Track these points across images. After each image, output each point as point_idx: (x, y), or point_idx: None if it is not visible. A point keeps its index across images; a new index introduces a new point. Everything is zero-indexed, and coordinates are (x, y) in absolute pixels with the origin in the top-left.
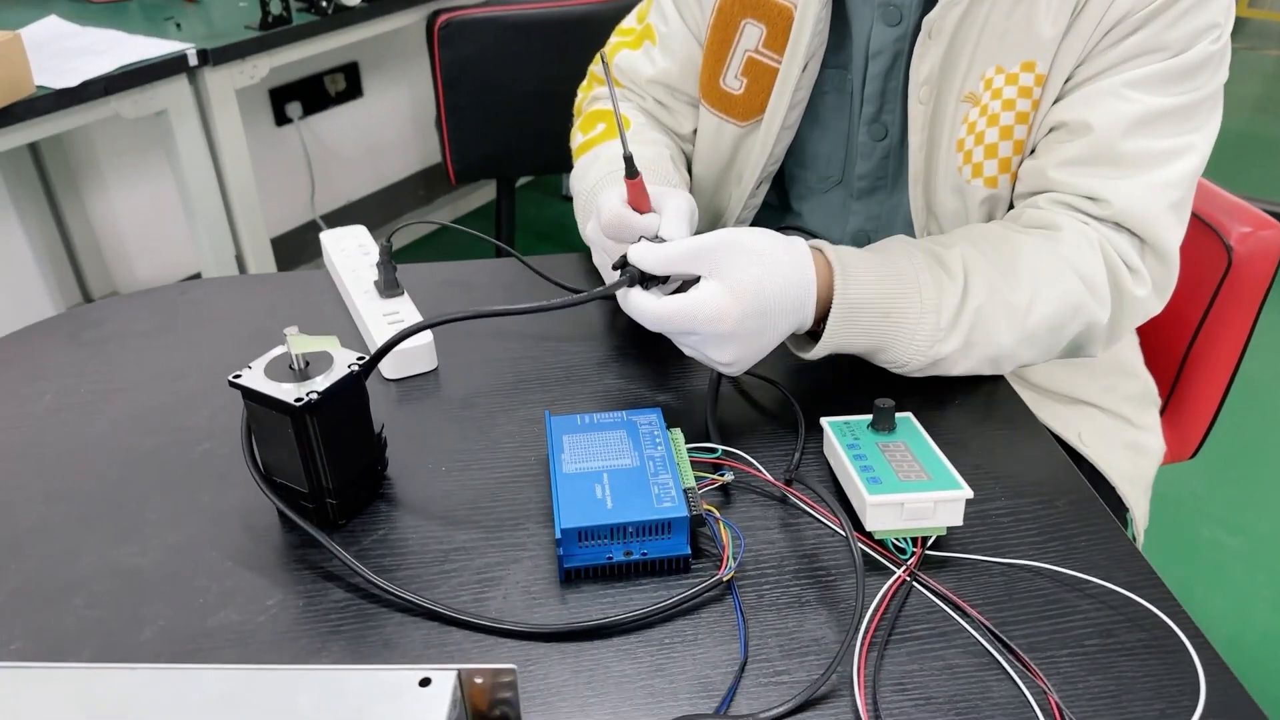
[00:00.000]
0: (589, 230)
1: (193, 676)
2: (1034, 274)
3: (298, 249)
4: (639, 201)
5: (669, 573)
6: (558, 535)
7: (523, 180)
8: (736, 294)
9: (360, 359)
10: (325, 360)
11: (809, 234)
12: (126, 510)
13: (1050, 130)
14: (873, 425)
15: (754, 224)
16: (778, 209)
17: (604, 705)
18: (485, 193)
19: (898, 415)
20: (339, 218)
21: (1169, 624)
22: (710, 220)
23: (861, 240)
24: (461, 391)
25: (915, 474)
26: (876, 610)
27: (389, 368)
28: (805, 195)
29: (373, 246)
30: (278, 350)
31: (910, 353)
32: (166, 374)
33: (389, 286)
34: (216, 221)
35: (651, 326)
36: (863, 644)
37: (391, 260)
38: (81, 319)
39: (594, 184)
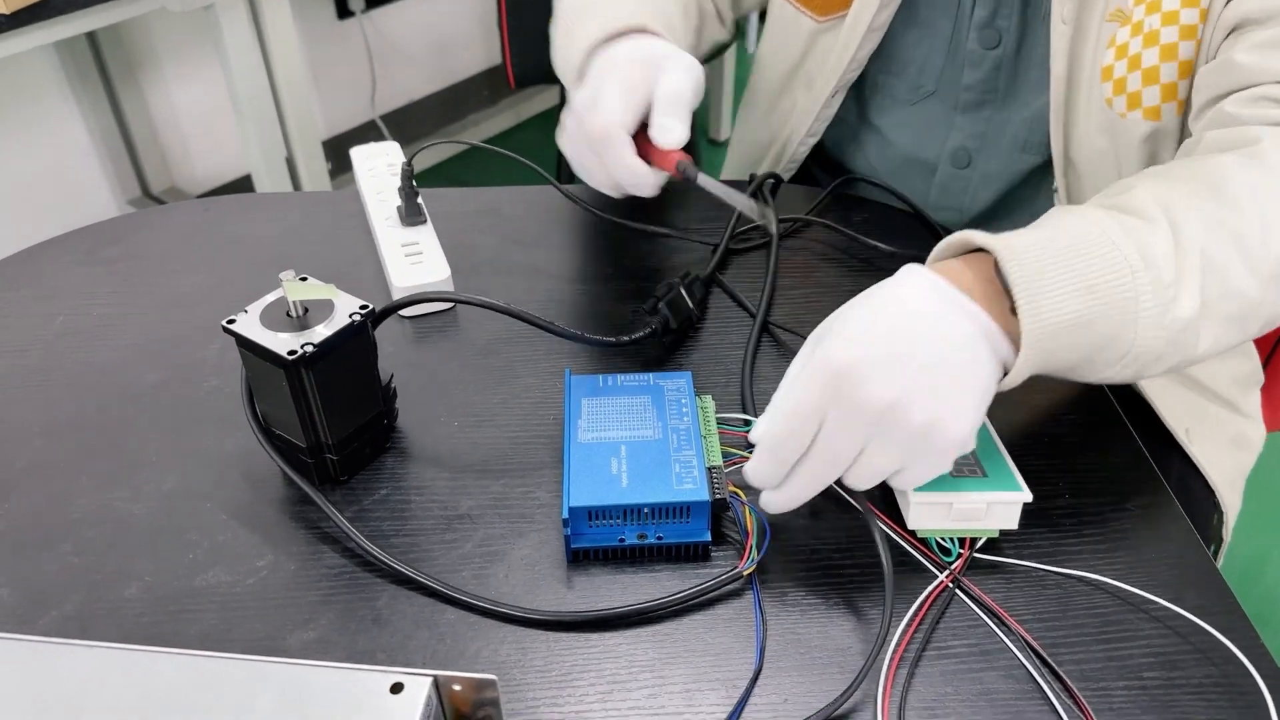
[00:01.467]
0: (569, 126)
1: (155, 661)
2: (1252, 195)
3: None
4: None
5: (687, 559)
6: (564, 515)
7: None
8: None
9: (364, 309)
10: (325, 308)
11: (883, 186)
12: (125, 450)
13: (1230, 33)
14: None
15: (824, 139)
16: (853, 123)
17: (602, 703)
18: (552, 94)
19: None
20: (400, 118)
21: (1243, 661)
22: (766, 140)
23: (961, 159)
24: (483, 336)
25: (968, 468)
26: (912, 620)
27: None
28: (889, 107)
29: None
30: (275, 294)
31: (1146, 330)
32: (181, 300)
33: (411, 214)
34: (267, 124)
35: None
36: (891, 661)
37: (414, 185)
38: (99, 235)
39: (583, 53)
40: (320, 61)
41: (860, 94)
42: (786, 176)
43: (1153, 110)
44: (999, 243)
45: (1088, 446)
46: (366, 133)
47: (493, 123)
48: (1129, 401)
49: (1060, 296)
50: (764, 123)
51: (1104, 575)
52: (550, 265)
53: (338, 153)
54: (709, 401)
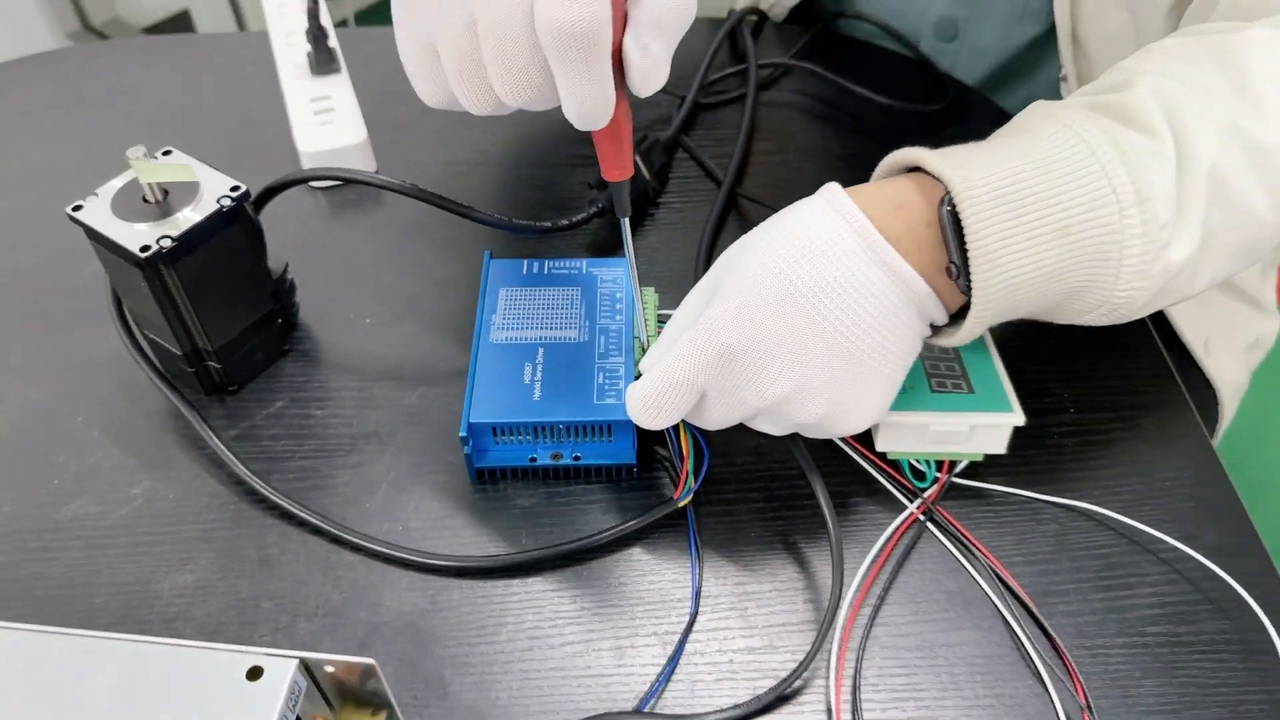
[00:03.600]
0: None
1: None
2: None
3: None
4: None
5: (610, 479)
6: (462, 432)
7: None
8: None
9: (235, 190)
10: (190, 191)
11: (883, 27)
12: None
13: None
14: None
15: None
16: None
17: (521, 661)
18: None
19: None
20: None
21: (1259, 615)
22: None
23: (946, 31)
24: (405, 212)
25: (952, 382)
26: (874, 562)
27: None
28: None
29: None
30: (128, 175)
31: (1129, 281)
32: (60, 167)
33: (321, 61)
34: None
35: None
36: (848, 615)
37: (322, 26)
38: None
39: None
40: None
41: None
42: (778, 17)
43: None
44: (952, 171)
45: (1098, 352)
46: None
47: None
48: None
49: (1024, 246)
50: None
51: (1108, 508)
52: (485, 122)
53: None
54: (651, 295)
